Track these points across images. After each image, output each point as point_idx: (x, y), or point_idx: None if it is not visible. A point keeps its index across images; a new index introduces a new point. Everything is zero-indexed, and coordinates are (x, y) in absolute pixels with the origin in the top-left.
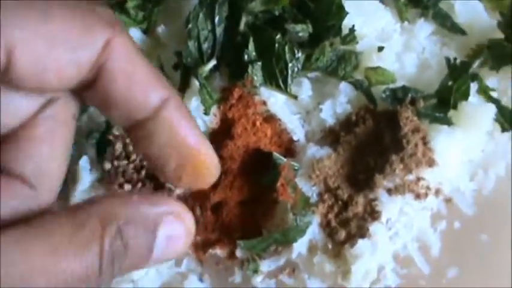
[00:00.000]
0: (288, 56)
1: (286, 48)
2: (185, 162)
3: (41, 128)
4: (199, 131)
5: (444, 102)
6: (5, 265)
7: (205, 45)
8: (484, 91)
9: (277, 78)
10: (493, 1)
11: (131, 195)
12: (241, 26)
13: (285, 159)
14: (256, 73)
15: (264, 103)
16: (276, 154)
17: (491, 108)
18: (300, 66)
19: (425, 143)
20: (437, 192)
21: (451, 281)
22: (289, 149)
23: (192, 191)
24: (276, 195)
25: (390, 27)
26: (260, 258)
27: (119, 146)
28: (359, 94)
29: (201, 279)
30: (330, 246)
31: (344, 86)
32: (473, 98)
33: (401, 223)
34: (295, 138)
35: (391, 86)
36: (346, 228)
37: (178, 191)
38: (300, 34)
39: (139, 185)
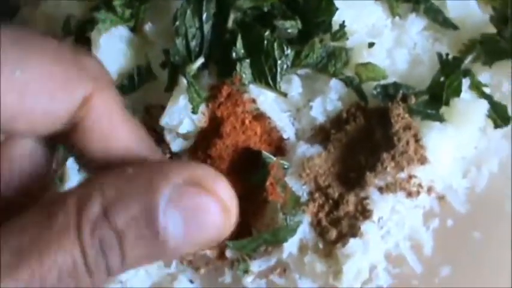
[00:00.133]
0: (277, 53)
1: (275, 45)
2: None
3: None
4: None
5: (436, 98)
6: None
7: (193, 43)
8: (476, 87)
9: (266, 76)
10: None
11: (125, 168)
12: (230, 23)
13: (275, 158)
14: (245, 71)
15: (253, 101)
16: (265, 153)
17: (484, 104)
18: (289, 63)
19: (417, 140)
20: (430, 190)
21: (443, 280)
22: (279, 147)
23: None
24: (266, 194)
25: (381, 23)
26: (250, 258)
27: None
28: (350, 91)
29: (191, 280)
30: (320, 245)
31: (334, 83)
32: (466, 94)
33: (393, 222)
34: (285, 136)
35: (382, 82)
36: (337, 227)
37: None
38: (289, 31)
39: None
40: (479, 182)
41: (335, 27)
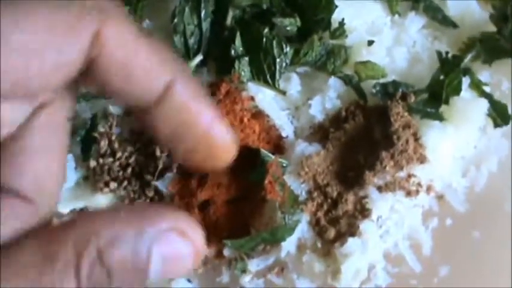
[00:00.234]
0: (276, 50)
1: (274, 42)
2: (197, 143)
3: (35, 138)
4: (212, 109)
5: (436, 97)
6: None
7: (191, 40)
8: (476, 85)
9: (265, 74)
10: None
11: (118, 211)
12: (228, 21)
13: (273, 156)
14: (243, 68)
15: (252, 99)
16: (263, 151)
17: (484, 103)
18: (288, 61)
19: (416, 139)
20: (429, 189)
21: (442, 280)
22: (278, 145)
23: (208, 170)
24: (264, 193)
25: (380, 21)
26: (248, 257)
27: (104, 144)
28: (349, 89)
29: (188, 279)
30: (319, 245)
31: (333, 81)
32: (465, 92)
33: (392, 221)
34: (283, 134)
35: (382, 80)
36: (336, 226)
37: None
38: (288, 28)
39: (125, 183)
40: (479, 181)
41: (334, 25)
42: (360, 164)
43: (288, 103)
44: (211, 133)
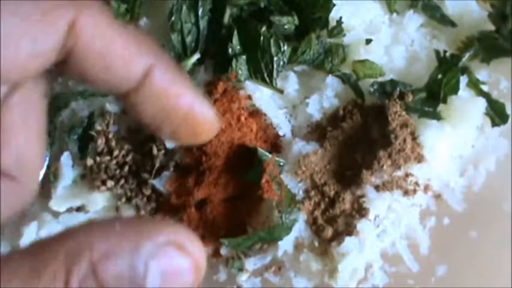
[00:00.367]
0: (273, 49)
1: (272, 41)
2: (180, 123)
3: (13, 116)
4: (192, 89)
5: (433, 96)
6: None
7: (188, 39)
8: (474, 84)
9: (262, 72)
10: None
11: (114, 222)
12: (226, 19)
13: (270, 155)
14: (241, 67)
15: (249, 97)
16: (260, 150)
17: (482, 102)
18: (285, 59)
19: (414, 138)
20: (426, 188)
21: (440, 280)
22: (275, 144)
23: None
24: (261, 192)
25: (378, 19)
26: (245, 256)
27: (101, 142)
28: (346, 88)
29: None
30: (316, 244)
31: (331, 80)
32: (463, 91)
33: (390, 220)
34: (281, 133)
35: (379, 79)
36: (333, 225)
37: None
38: (286, 27)
39: (122, 181)
40: (477, 180)
41: (332, 23)
42: (357, 163)
43: (285, 102)
44: (193, 113)
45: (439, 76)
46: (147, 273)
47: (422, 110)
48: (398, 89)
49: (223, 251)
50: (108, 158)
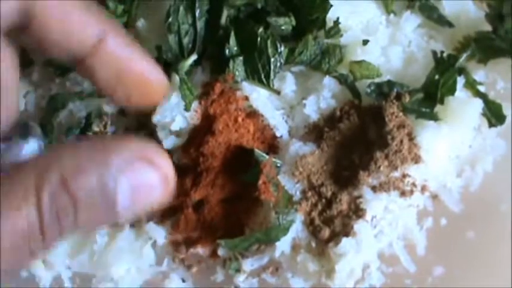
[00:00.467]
0: (270, 50)
1: (269, 42)
2: (133, 87)
3: None
4: (143, 56)
5: (430, 96)
6: None
7: (185, 40)
8: (471, 85)
9: (259, 73)
10: None
11: (82, 141)
12: (223, 20)
13: (267, 156)
14: (238, 68)
15: (246, 98)
16: (257, 151)
17: (479, 103)
18: (282, 60)
19: (411, 139)
20: (423, 189)
21: (437, 280)
22: (272, 145)
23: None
24: (258, 193)
25: (376, 20)
26: (243, 257)
27: None
28: (343, 89)
29: (182, 279)
30: (313, 244)
31: (328, 81)
32: (460, 92)
33: (387, 221)
34: (278, 134)
35: (376, 80)
36: (330, 226)
37: None
38: (283, 27)
39: None
40: (474, 181)
41: (329, 24)
42: (354, 164)
43: (282, 102)
44: (144, 75)
45: (436, 77)
46: (117, 188)
47: (419, 111)
48: (395, 90)
49: (220, 251)
50: None
